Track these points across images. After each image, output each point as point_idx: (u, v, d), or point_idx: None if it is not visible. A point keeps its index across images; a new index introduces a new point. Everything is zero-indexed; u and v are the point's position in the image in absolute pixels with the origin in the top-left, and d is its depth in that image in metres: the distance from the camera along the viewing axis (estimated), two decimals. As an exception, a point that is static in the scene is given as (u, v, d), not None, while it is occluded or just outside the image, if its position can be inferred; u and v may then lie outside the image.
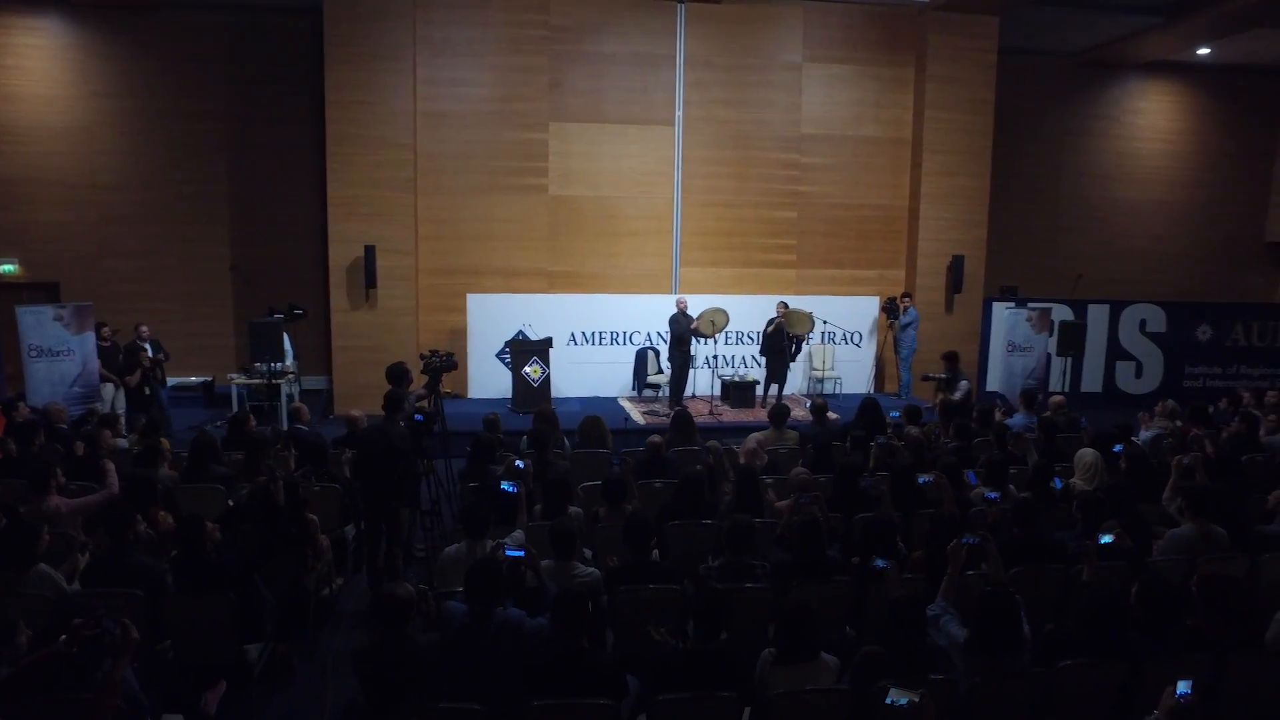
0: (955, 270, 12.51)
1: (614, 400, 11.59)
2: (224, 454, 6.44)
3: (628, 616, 4.27)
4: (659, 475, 6.39)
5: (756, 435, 6.75)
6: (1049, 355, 11.70)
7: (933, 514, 4.96)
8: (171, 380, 10.44)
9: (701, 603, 3.41)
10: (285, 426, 9.44)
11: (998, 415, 7.98)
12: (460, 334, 11.29)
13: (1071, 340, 11.00)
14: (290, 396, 10.11)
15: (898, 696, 2.73)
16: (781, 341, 11.01)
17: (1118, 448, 6.14)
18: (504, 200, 11.70)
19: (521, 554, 3.88)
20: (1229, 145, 15.69)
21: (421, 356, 6.35)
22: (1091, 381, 12.63)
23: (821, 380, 12.13)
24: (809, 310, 11.30)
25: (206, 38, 11.66)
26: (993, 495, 5.10)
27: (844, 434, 7.32)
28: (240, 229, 12.01)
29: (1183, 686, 2.85)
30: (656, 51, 11.93)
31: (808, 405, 8.66)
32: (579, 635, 3.34)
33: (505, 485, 4.85)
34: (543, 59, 11.60)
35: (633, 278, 12.28)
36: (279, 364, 9.65)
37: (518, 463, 5.33)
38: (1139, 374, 12.99)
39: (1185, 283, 15.42)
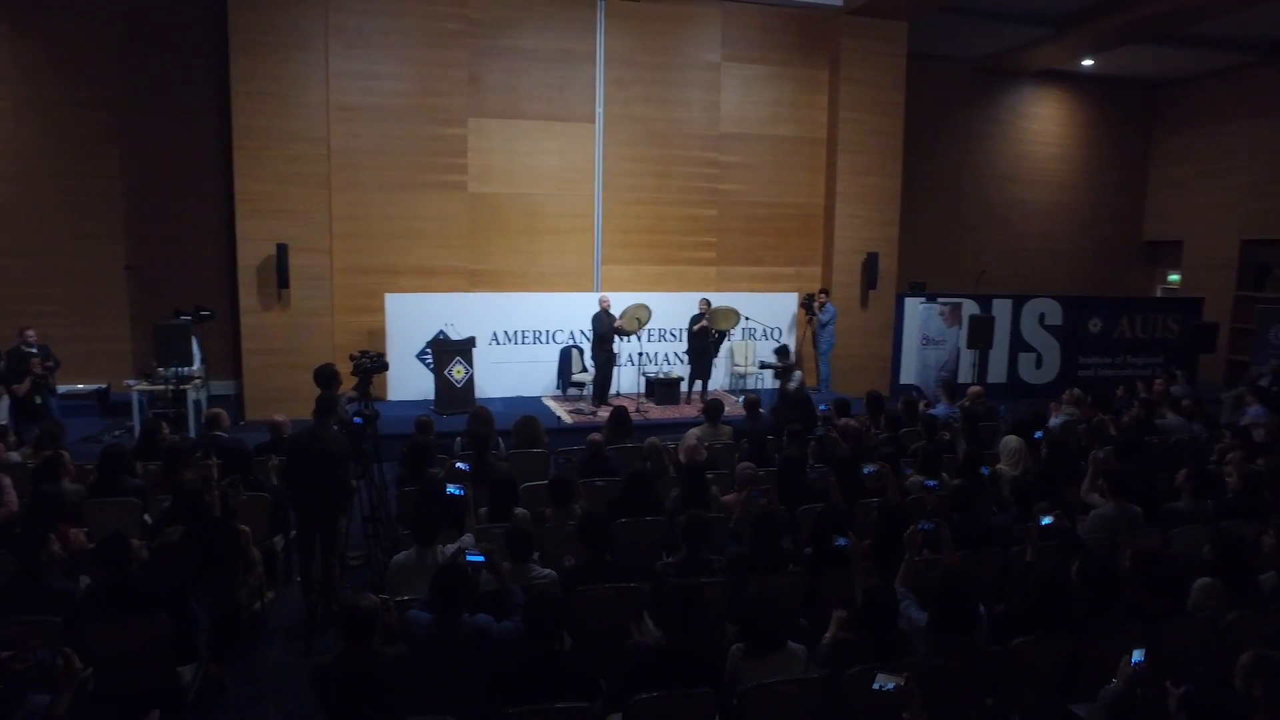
0: (870, 267, 12.91)
1: (538, 399, 11.46)
2: (136, 465, 6.02)
3: (586, 617, 4.22)
4: (600, 474, 6.34)
5: (695, 431, 6.77)
6: (959, 348, 12.23)
7: (878, 503, 5.08)
8: (60, 388, 9.69)
9: (676, 600, 3.38)
10: (194, 434, 8.97)
11: (921, 406, 8.27)
12: (379, 335, 10.93)
13: (981, 333, 11.51)
14: (198, 402, 9.57)
15: (884, 682, 2.78)
16: (707, 339, 11.14)
17: (1038, 434, 6.46)
18: (422, 197, 11.39)
19: (483, 558, 3.76)
20: (1110, 150, 16.82)
21: (352, 357, 6.09)
22: (997, 373, 13.25)
23: (744, 376, 12.31)
24: (733, 307, 11.48)
25: (96, 20, 10.85)
26: (932, 483, 5.27)
27: (777, 428, 7.45)
28: (137, 226, 11.22)
29: (1137, 655, 3.02)
30: (576, 48, 11.85)
31: (739, 400, 8.77)
32: (551, 638, 3.26)
33: (451, 488, 4.70)
34: (461, 53, 11.35)
35: (554, 276, 12.17)
36: (186, 368, 9.11)
37: (460, 465, 5.19)
38: (1039, 365, 13.74)
39: (1075, 278, 16.44)
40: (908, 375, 13.07)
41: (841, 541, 4.14)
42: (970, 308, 12.52)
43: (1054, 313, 13.74)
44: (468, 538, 4.50)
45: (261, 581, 5.28)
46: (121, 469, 5.66)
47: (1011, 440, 6.35)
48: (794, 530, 5.05)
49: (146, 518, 5.48)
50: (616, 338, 11.03)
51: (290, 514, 5.71)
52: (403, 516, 5.65)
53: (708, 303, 11.35)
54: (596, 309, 10.81)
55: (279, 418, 6.64)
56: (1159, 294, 17.12)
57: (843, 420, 7.08)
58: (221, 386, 11.07)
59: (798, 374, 9.13)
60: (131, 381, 9.78)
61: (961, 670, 3.54)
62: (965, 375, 11.99)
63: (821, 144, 13.03)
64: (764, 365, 11.21)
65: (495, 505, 5.22)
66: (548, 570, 4.32)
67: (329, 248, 10.73)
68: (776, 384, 10.52)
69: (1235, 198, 15.42)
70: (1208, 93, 15.97)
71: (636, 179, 12.35)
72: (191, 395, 9.39)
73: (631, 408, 10.68)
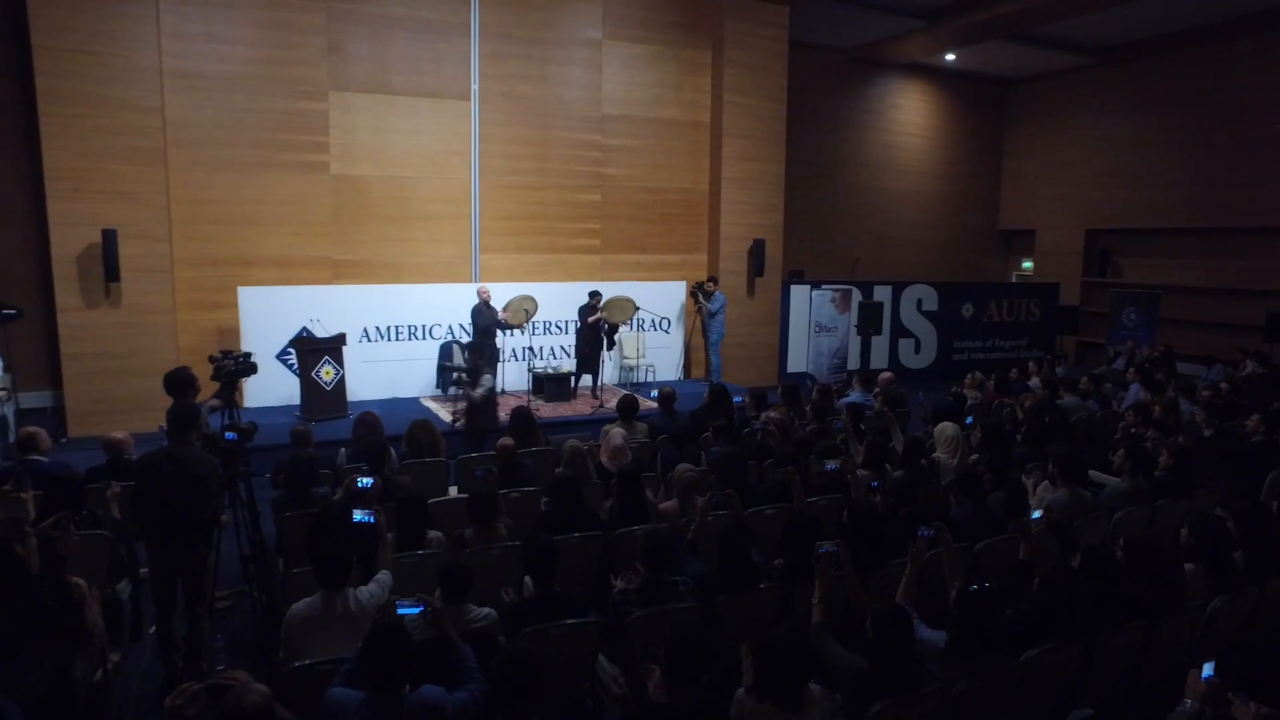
0: (756, 254, 12.71)
1: (416, 400, 10.47)
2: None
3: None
4: (515, 483, 5.60)
5: (618, 430, 6.14)
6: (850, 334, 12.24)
7: (849, 500, 4.64)
8: None
9: (677, 639, 2.74)
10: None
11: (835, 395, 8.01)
12: (231, 334, 9.59)
13: (870, 319, 11.53)
14: (3, 418, 7.98)
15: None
16: (600, 332, 10.54)
17: (969, 420, 6.27)
18: (278, 179, 10.11)
19: (418, 609, 2.98)
20: (969, 143, 17.53)
21: (212, 359, 5.06)
22: (879, 359, 13.39)
23: (634, 368, 11.80)
24: (628, 297, 10.94)
25: None
26: (875, 484, 4.88)
27: (697, 424, 6.94)
28: (-89, 208, 9.31)
29: (1207, 670, 2.70)
30: (448, 19, 10.89)
31: (652, 395, 8.20)
32: (528, 711, 2.55)
33: (359, 514, 3.83)
34: (318, 18, 10.14)
35: (429, 266, 11.20)
36: (-14, 379, 7.55)
37: (362, 481, 4.31)
38: (918, 350, 14.02)
39: (940, 265, 17.01)
40: (795, 364, 12.98)
41: (825, 548, 3.62)
42: (855, 295, 12.57)
43: (930, 299, 14.07)
44: (384, 576, 3.67)
45: (104, 643, 4.19)
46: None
47: (948, 428, 6.12)
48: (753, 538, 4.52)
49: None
50: (501, 332, 10.23)
51: (139, 554, 4.64)
52: (286, 549, 4.70)
53: (599, 294, 10.73)
54: (476, 301, 9.96)
55: (118, 435, 5.43)
56: (1014, 280, 18.04)
57: (766, 414, 6.65)
58: (34, 398, 9.35)
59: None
60: (-89, 397, 8.04)
61: (987, 689, 3.12)
62: (854, 362, 12.00)
63: (705, 128, 12.69)
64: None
65: (404, 529, 4.41)
66: (486, 609, 3.58)
67: (168, 235, 9.27)
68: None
69: (1079, 189, 16.41)
70: (1052, 91, 16.93)
71: (515, 161, 11.55)
72: (-5, 411, 7.81)
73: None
